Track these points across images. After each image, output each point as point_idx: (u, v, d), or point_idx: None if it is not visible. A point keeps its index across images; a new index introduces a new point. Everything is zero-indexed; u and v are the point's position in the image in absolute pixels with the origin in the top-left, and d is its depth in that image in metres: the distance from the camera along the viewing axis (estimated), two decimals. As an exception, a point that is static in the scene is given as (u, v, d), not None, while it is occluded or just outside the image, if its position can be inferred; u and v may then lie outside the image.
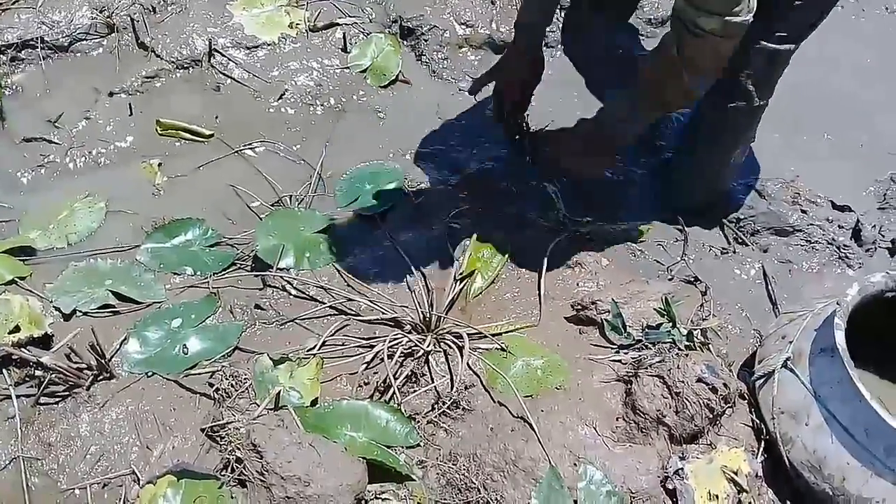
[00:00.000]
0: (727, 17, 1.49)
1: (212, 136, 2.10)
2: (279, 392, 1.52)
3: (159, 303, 1.75)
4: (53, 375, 1.55)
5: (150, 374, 1.62)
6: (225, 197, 1.98)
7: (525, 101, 2.09)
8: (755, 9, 1.52)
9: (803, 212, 2.05)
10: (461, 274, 1.84)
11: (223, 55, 2.22)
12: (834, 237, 2.03)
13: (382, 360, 1.62)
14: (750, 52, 1.74)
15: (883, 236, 2.05)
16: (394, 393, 1.59)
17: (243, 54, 2.23)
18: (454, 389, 1.61)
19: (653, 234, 2.02)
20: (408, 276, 1.84)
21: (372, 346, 1.68)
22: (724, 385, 1.54)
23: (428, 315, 1.72)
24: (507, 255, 1.91)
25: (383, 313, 1.76)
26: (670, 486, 1.49)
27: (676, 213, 2.05)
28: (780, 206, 2.06)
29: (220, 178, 2.02)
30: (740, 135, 1.96)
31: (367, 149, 2.13)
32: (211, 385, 1.59)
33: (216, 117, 2.14)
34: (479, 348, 1.71)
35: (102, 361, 1.58)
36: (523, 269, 1.90)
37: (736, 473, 1.53)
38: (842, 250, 2.01)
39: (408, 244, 1.90)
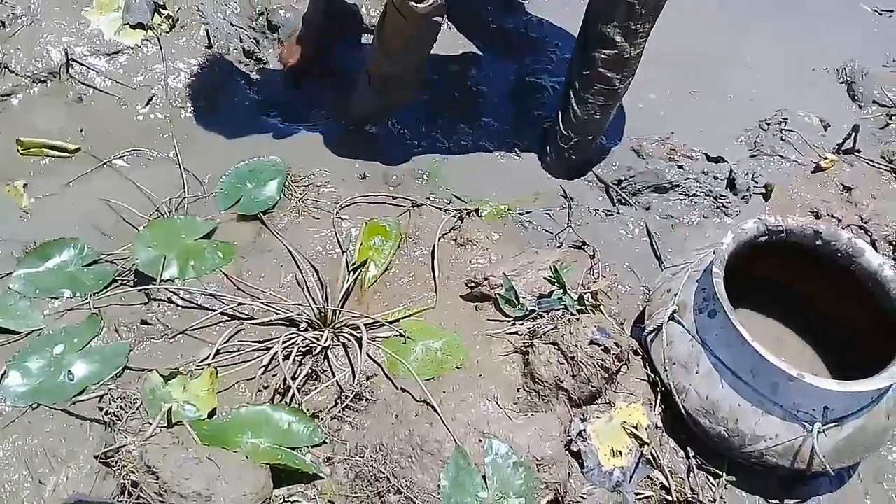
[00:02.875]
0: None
1: (78, 150, 2.01)
2: (171, 408, 1.47)
3: (38, 330, 1.67)
4: (-71, 420, 1.47)
5: (35, 405, 1.55)
6: (98, 212, 1.90)
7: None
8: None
9: (680, 167, 2.11)
10: (354, 264, 1.82)
11: (82, 64, 2.11)
12: (710, 188, 2.10)
13: (280, 361, 1.60)
14: (611, 4, 1.81)
15: (756, 182, 2.13)
16: (294, 393, 1.57)
17: (104, 61, 2.13)
18: (356, 381, 1.59)
19: (539, 204, 2.05)
20: (299, 272, 1.80)
21: (268, 349, 1.64)
22: (616, 344, 1.57)
23: (323, 310, 1.70)
24: (398, 241, 1.90)
25: (277, 314, 1.72)
26: (574, 449, 1.52)
27: (559, 177, 2.09)
28: (657, 163, 2.12)
29: (91, 193, 1.93)
30: (613, 86, 1.98)
31: (246, 146, 2.07)
32: (101, 409, 1.53)
33: (81, 130, 2.04)
34: (378, 337, 1.70)
35: (-18, 399, 1.51)
36: (416, 253, 1.89)
37: (636, 427, 1.58)
38: (719, 200, 2.09)
39: (296, 240, 1.87)
